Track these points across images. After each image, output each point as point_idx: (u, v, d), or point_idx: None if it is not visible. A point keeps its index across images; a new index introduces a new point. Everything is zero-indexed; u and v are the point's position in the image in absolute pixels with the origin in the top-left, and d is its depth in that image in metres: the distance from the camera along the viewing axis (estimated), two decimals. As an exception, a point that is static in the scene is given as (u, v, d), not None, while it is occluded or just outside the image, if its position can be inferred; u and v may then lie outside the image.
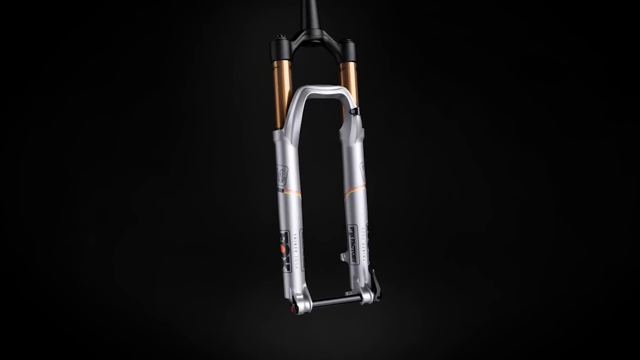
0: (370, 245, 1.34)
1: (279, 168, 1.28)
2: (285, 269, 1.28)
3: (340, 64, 1.32)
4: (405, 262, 1.99)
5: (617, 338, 1.90)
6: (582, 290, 1.97)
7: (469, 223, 2.04)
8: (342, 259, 1.36)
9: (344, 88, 1.30)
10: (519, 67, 2.04)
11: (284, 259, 1.28)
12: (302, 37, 1.29)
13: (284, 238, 1.28)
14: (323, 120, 1.58)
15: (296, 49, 1.28)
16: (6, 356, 1.83)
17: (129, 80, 1.97)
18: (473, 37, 2.03)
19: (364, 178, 1.32)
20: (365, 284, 1.33)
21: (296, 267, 1.28)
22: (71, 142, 1.97)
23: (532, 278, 2.00)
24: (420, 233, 2.03)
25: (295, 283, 1.28)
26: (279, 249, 1.28)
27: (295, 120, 1.26)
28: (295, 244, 1.28)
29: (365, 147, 1.32)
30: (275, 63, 1.27)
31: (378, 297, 1.31)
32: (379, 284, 1.31)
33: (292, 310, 1.28)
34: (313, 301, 1.28)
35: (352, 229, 1.33)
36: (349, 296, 1.34)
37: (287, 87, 1.28)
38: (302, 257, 1.29)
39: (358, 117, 1.30)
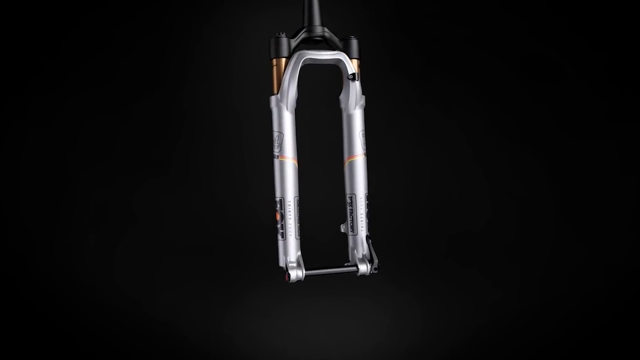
0: (369, 215, 1.31)
1: (275, 134, 1.27)
2: (279, 237, 1.27)
3: None
4: (405, 262, 1.99)
5: (617, 338, 1.90)
6: (582, 290, 1.97)
7: (469, 223, 2.04)
8: (342, 230, 1.34)
9: (342, 53, 1.28)
10: (519, 67, 2.04)
11: (279, 226, 1.27)
12: (302, 35, 1.28)
13: (278, 205, 1.27)
14: (323, 120, 1.58)
15: (296, 46, 1.28)
16: (6, 356, 1.83)
17: (129, 80, 1.97)
18: (473, 37, 2.03)
19: (364, 146, 1.30)
20: (363, 254, 1.30)
21: (290, 235, 1.26)
22: (71, 142, 1.97)
23: (532, 278, 2.00)
24: (420, 233, 2.03)
25: (290, 251, 1.27)
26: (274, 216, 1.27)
27: (290, 85, 1.25)
28: (289, 211, 1.26)
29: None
30: (274, 61, 1.27)
31: (375, 269, 1.28)
32: (376, 255, 1.28)
33: (286, 279, 1.26)
34: (307, 270, 1.26)
35: (351, 198, 1.31)
36: (345, 266, 1.31)
37: None
38: (297, 225, 1.27)
39: (357, 83, 1.28)
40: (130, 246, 1.98)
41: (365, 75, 1.34)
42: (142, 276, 1.96)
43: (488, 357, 1.88)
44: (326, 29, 1.29)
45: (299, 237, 1.28)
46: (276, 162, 1.27)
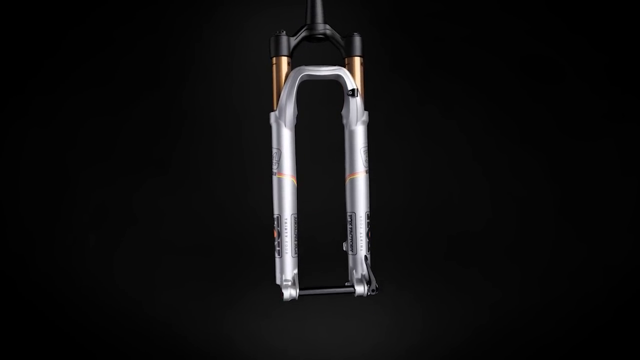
0: (370, 235, 1.28)
1: (274, 151, 1.26)
2: (276, 254, 1.26)
3: (346, 59, 1.29)
4: (405, 262, 1.99)
5: (617, 338, 1.90)
6: (582, 290, 1.97)
7: (469, 223, 2.04)
8: (344, 248, 1.31)
9: (342, 68, 1.25)
10: (519, 67, 2.04)
11: (275, 243, 1.26)
12: (303, 33, 1.27)
13: (275, 222, 1.26)
14: (323, 120, 1.58)
15: (297, 44, 1.27)
16: (6, 356, 1.83)
17: (129, 80, 1.97)
18: (473, 37, 2.03)
19: (366, 163, 1.28)
20: (362, 275, 1.28)
21: (286, 253, 1.25)
22: (71, 142, 1.97)
23: (532, 278, 2.00)
24: (420, 233, 2.03)
25: (286, 269, 1.26)
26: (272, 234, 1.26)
27: (287, 102, 1.23)
28: (286, 229, 1.25)
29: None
30: (274, 59, 1.26)
31: (372, 291, 1.26)
32: (374, 276, 1.25)
33: (281, 296, 1.25)
34: (304, 289, 1.25)
35: (351, 217, 1.29)
36: (340, 287, 1.28)
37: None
38: (295, 242, 1.26)
39: (358, 99, 1.26)
40: (130, 246, 1.98)
41: (365, 75, 1.33)
42: (142, 276, 1.96)
43: (488, 357, 1.88)
44: (328, 27, 1.28)
45: (295, 255, 1.26)
46: (274, 179, 1.26)
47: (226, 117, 2.02)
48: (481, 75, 2.03)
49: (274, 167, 1.25)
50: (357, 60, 1.28)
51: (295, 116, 1.24)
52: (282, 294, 1.24)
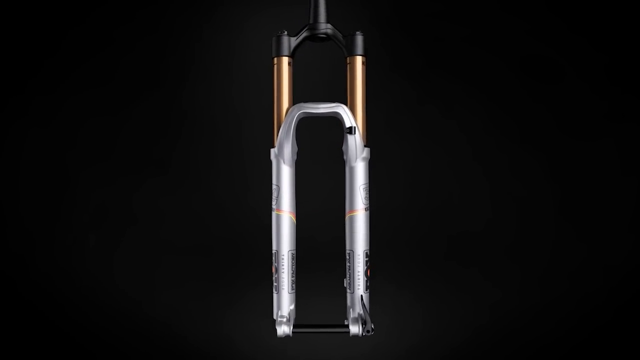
0: (369, 272, 1.27)
1: (273, 187, 1.26)
2: (273, 290, 1.27)
3: (347, 59, 1.28)
4: (405, 262, 1.99)
5: (617, 338, 1.90)
6: (582, 290, 1.97)
7: (469, 223, 2.04)
8: (344, 285, 1.30)
9: (341, 105, 1.24)
10: (519, 67, 2.04)
11: (273, 279, 1.27)
12: (304, 33, 1.27)
13: (273, 258, 1.26)
14: (323, 120, 1.57)
15: (298, 44, 1.26)
16: (6, 356, 1.83)
17: (129, 80, 1.97)
18: (473, 37, 2.02)
19: (366, 201, 1.27)
20: (358, 314, 1.26)
21: (283, 289, 1.26)
22: (71, 142, 1.97)
23: (532, 278, 2.00)
24: (420, 233, 2.03)
25: (282, 305, 1.26)
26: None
27: (286, 142, 1.23)
28: (283, 265, 1.25)
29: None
30: (275, 60, 1.26)
31: (367, 332, 1.23)
32: (370, 318, 1.23)
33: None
34: (299, 327, 1.25)
35: (349, 255, 1.28)
36: (335, 326, 1.28)
37: (285, 85, 1.27)
38: (292, 278, 1.26)
39: (357, 137, 1.25)
40: (130, 246, 1.98)
41: (365, 75, 1.33)
42: (142, 276, 1.96)
43: (488, 357, 1.88)
44: (329, 26, 1.27)
45: (292, 291, 1.26)
46: (273, 214, 1.26)
47: (226, 117, 2.02)
48: (481, 75, 2.03)
49: (273, 203, 1.25)
50: (359, 60, 1.27)
51: (295, 152, 1.24)
52: (276, 330, 1.25)
